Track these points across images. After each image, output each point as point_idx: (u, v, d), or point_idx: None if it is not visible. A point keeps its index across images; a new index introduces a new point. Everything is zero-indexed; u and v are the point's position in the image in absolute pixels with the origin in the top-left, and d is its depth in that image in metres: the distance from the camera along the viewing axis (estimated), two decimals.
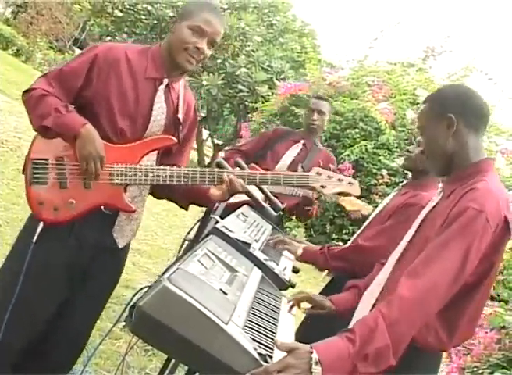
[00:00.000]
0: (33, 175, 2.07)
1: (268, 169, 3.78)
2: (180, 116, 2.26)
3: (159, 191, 2.32)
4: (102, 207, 2.13)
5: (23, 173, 2.12)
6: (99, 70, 2.11)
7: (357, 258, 2.74)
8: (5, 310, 2.04)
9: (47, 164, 2.07)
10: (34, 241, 2.07)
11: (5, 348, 2.09)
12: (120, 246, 2.26)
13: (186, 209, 2.42)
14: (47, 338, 2.21)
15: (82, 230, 2.14)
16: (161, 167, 2.14)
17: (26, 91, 2.12)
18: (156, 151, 2.23)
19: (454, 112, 1.78)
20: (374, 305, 1.81)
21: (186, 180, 2.14)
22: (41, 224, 2.08)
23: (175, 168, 2.14)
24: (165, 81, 2.20)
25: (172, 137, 2.21)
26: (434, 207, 1.87)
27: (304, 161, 3.86)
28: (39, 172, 2.07)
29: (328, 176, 2.38)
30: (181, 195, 2.31)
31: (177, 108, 2.25)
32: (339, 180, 2.39)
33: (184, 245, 2.45)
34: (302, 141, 3.93)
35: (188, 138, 2.37)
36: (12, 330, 2.06)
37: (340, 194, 2.45)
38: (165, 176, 2.12)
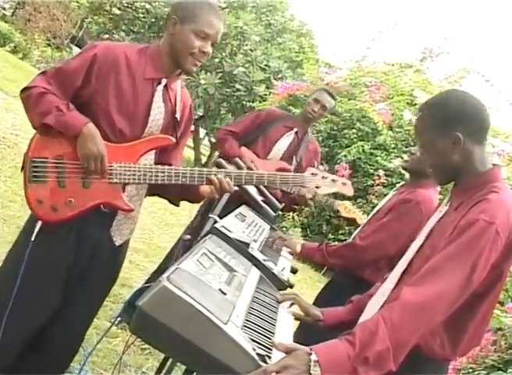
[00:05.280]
0: (32, 173, 2.06)
1: (258, 155, 3.81)
2: (178, 115, 2.28)
3: (152, 189, 2.33)
4: (101, 206, 2.13)
5: (21, 171, 2.12)
6: (98, 70, 2.11)
7: (352, 256, 2.78)
8: (4, 309, 2.04)
9: (46, 162, 2.07)
10: (33, 239, 2.07)
11: (4, 348, 2.08)
12: (117, 244, 2.27)
13: (178, 205, 2.45)
14: (43, 337, 2.21)
15: (81, 229, 2.15)
16: (160, 167, 2.15)
17: (24, 89, 2.11)
18: (154, 151, 2.24)
19: (460, 130, 1.71)
20: None
21: (184, 179, 2.15)
22: (39, 223, 2.08)
23: (173, 168, 2.16)
24: (164, 81, 2.21)
25: (171, 137, 2.22)
26: (442, 218, 1.84)
27: (297, 152, 3.87)
28: (38, 170, 2.07)
29: (323, 177, 2.43)
30: (173, 192, 2.32)
31: (175, 108, 2.27)
32: (333, 180, 2.45)
33: (180, 244, 2.46)
34: (295, 130, 3.92)
35: (183, 135, 2.39)
36: (11, 330, 2.06)
37: (334, 194, 2.49)
38: (163, 176, 2.13)
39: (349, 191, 2.50)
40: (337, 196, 3.70)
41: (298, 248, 2.81)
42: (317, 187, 2.43)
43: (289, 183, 2.41)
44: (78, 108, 2.11)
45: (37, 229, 2.08)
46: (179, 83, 2.32)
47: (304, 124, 3.97)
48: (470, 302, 1.66)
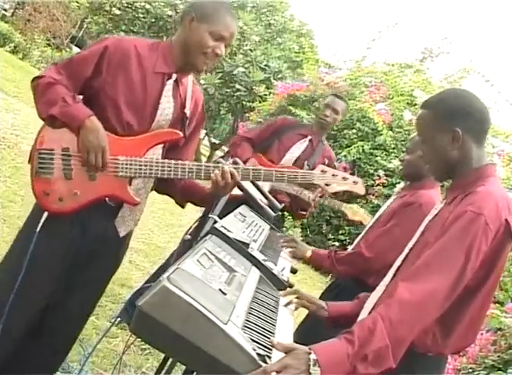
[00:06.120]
0: (39, 165, 2.08)
1: (272, 161, 3.83)
2: (187, 111, 2.28)
3: (161, 186, 2.34)
4: (106, 199, 2.15)
5: (28, 162, 2.13)
6: (108, 62, 2.13)
7: (361, 264, 2.78)
8: (7, 298, 2.05)
9: (53, 154, 2.08)
10: (38, 230, 2.08)
11: (6, 334, 2.10)
12: (121, 235, 2.29)
13: (183, 207, 2.43)
14: (43, 324, 2.24)
15: (85, 220, 2.16)
16: (166, 161, 2.16)
17: (34, 79, 2.13)
18: (162, 145, 2.24)
19: (460, 126, 1.74)
20: (373, 309, 1.79)
21: (190, 174, 2.16)
22: (46, 214, 2.09)
23: (179, 162, 2.16)
24: (174, 76, 2.22)
25: (179, 132, 2.22)
26: (436, 215, 1.85)
27: (309, 158, 3.89)
28: (45, 162, 2.08)
29: (333, 175, 2.39)
30: (180, 191, 2.33)
31: (185, 103, 2.27)
32: (343, 178, 2.40)
33: (179, 244, 2.45)
34: (309, 137, 3.97)
35: (194, 134, 2.39)
36: (13, 317, 2.08)
37: (345, 192, 2.44)
38: (170, 170, 2.14)
39: (360, 189, 2.45)
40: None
41: (308, 254, 2.82)
42: (327, 185, 2.39)
43: (297, 180, 2.39)
44: (88, 99, 2.13)
45: (42, 220, 2.09)
46: (191, 78, 2.33)
47: (319, 131, 4.01)
48: (462, 296, 1.66)
